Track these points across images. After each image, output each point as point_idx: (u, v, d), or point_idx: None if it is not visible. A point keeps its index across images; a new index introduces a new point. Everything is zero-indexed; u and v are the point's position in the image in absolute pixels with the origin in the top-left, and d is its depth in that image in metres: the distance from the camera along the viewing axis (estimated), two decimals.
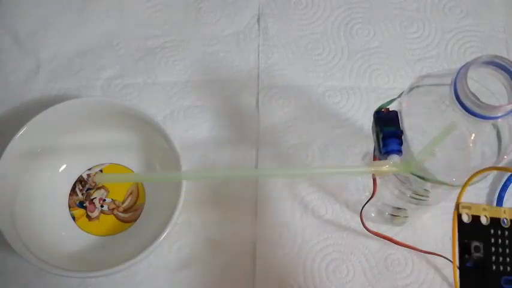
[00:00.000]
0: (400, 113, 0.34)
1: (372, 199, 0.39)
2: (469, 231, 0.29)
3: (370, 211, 0.48)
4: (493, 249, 0.29)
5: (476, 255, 0.28)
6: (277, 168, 0.50)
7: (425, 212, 0.48)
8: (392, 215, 0.47)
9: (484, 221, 0.29)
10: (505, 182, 0.51)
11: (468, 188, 0.36)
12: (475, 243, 0.29)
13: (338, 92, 0.54)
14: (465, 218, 0.29)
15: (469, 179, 0.30)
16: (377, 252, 0.48)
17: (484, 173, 0.34)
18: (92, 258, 0.48)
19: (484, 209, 0.29)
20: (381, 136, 0.35)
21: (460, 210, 0.29)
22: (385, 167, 0.34)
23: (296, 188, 0.51)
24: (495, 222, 0.29)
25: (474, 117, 0.29)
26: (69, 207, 0.50)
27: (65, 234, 0.49)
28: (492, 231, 0.29)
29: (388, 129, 0.34)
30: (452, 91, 0.30)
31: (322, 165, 0.51)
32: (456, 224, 0.29)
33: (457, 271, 0.29)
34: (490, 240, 0.29)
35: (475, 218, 0.29)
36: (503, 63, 0.29)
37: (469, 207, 0.29)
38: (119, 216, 0.50)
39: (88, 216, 0.50)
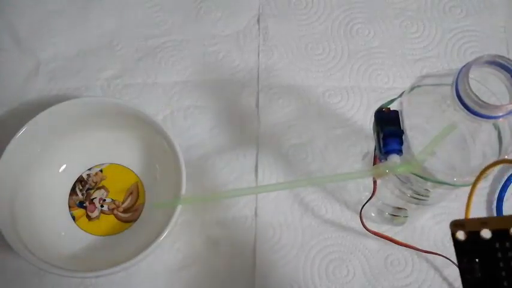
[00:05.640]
0: (401, 112, 0.34)
1: (372, 199, 0.39)
2: (468, 249, 0.26)
3: (370, 211, 0.48)
4: (502, 264, 0.25)
5: (479, 274, 0.25)
6: (280, 183, 0.51)
7: (425, 212, 0.48)
8: (393, 215, 0.47)
9: (486, 234, 0.26)
10: (505, 182, 0.51)
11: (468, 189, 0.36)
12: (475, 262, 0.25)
13: (338, 92, 0.54)
14: (460, 236, 0.26)
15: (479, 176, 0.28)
16: (377, 252, 0.48)
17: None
18: (92, 258, 0.48)
19: (484, 223, 0.25)
20: (381, 136, 0.35)
21: (452, 229, 0.25)
22: (384, 168, 0.34)
23: (296, 188, 0.51)
24: (501, 234, 0.25)
25: (475, 117, 0.29)
26: (69, 207, 0.50)
27: (65, 234, 0.49)
28: (498, 244, 0.25)
29: (388, 128, 0.34)
30: (454, 91, 0.30)
31: (321, 176, 0.51)
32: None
33: None
34: (497, 255, 0.26)
35: (472, 234, 0.26)
36: (504, 62, 0.29)
37: (462, 225, 0.26)
38: (119, 216, 0.50)
39: (88, 216, 0.50)
